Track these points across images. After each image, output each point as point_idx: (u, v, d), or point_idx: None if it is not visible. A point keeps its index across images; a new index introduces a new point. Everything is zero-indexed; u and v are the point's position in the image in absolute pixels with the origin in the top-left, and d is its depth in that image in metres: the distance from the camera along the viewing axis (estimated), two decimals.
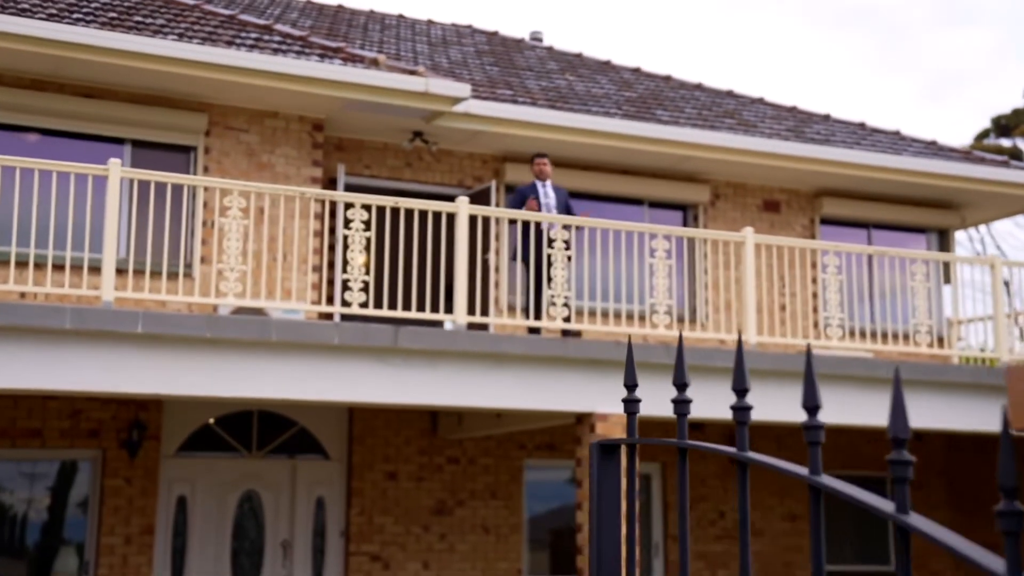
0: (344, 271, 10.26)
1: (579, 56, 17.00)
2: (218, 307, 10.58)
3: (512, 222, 11.68)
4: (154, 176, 9.25)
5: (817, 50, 68.06)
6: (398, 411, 12.75)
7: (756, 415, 10.97)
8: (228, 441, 12.39)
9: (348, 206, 9.97)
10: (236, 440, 12.42)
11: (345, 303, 9.92)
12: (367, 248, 9.87)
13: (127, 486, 11.55)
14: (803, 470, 1.91)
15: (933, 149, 15.27)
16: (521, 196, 11.24)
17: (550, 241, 10.56)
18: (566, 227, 10.61)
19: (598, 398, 10.30)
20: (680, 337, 2.58)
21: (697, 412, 10.76)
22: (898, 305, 12.84)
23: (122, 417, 11.62)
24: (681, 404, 2.54)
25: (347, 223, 9.83)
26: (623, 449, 2.60)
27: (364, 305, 9.84)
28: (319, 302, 11.19)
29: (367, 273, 9.77)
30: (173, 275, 10.69)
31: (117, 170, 8.96)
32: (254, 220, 11.25)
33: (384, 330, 9.52)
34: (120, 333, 8.74)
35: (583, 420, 10.39)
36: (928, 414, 11.50)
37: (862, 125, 15.85)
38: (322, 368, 9.50)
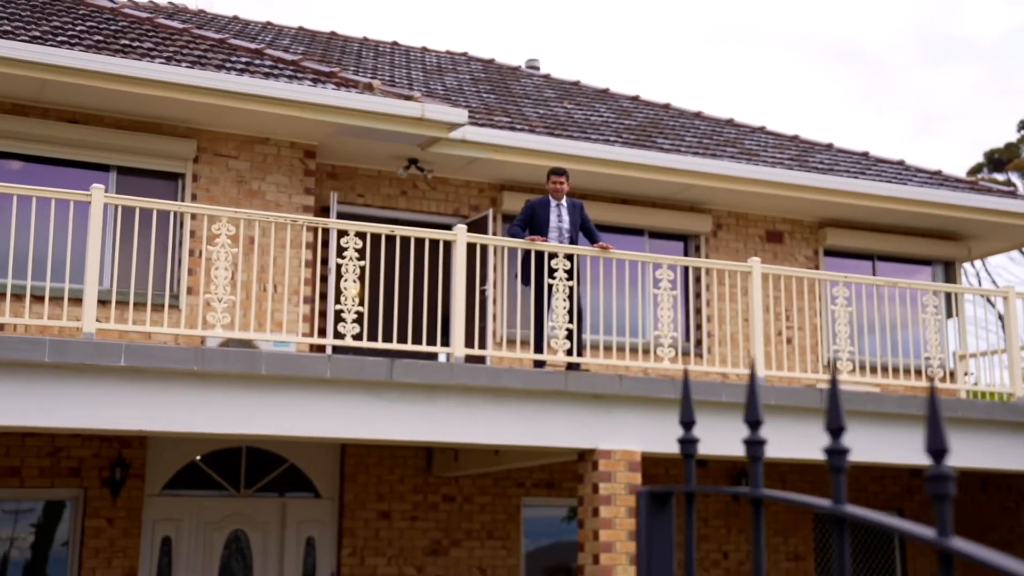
0: (337, 301, 9.87)
1: (576, 84, 16.70)
2: (206, 339, 10.17)
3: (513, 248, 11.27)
4: (139, 202, 8.86)
5: (806, 87, 68.17)
6: (392, 447, 12.32)
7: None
8: (215, 479, 11.93)
9: (342, 234, 9.59)
10: (223, 478, 11.97)
11: (338, 335, 9.52)
12: (361, 278, 9.47)
13: (109, 527, 11.08)
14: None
15: (938, 179, 14.96)
16: (529, 211, 10.68)
17: (551, 271, 10.17)
18: (569, 256, 10.23)
19: (601, 434, 9.89)
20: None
21: (702, 449, 10.37)
22: (907, 338, 12.48)
23: (104, 455, 11.16)
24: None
25: (340, 251, 9.44)
26: (675, 497, 2.21)
27: (358, 337, 9.44)
28: (311, 334, 10.77)
29: (361, 304, 9.36)
30: (159, 306, 10.27)
31: (100, 196, 8.57)
32: (243, 249, 10.86)
33: (378, 363, 9.12)
34: (102, 367, 8.32)
35: (585, 457, 9.97)
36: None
37: (865, 155, 15.55)
38: (313, 403, 9.08)
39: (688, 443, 2.11)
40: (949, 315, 14.91)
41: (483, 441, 9.66)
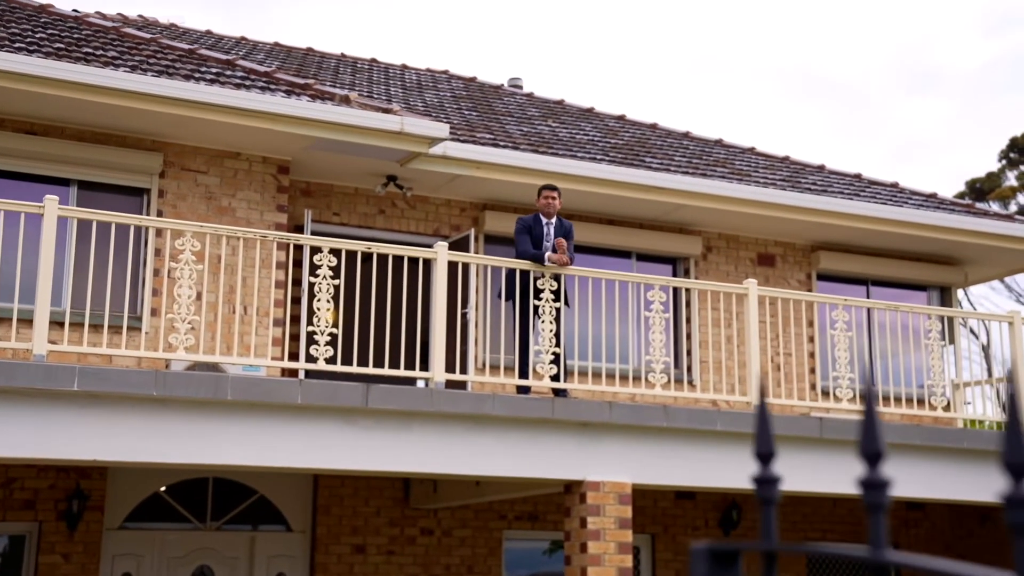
0: (310, 323, 9.29)
1: (561, 103, 16.21)
2: (170, 364, 9.56)
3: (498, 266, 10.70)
4: (96, 215, 8.28)
5: (786, 116, 68.18)
6: (367, 478, 11.71)
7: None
8: (180, 511, 11.28)
9: (315, 251, 9.03)
10: (189, 510, 11.33)
11: (310, 358, 8.93)
12: (335, 298, 8.90)
13: (65, 562, 10.40)
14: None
15: (934, 202, 14.51)
16: (526, 228, 10.05)
17: (537, 291, 9.61)
18: (555, 276, 9.69)
19: (589, 464, 9.32)
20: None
21: (690, 480, 9.82)
22: (900, 366, 11.98)
23: (61, 486, 10.51)
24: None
25: (314, 270, 8.87)
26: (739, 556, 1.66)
27: (331, 361, 8.86)
28: (282, 358, 10.17)
29: (335, 326, 8.79)
30: (120, 329, 9.64)
31: (54, 207, 7.98)
32: (210, 267, 10.27)
33: (353, 388, 8.53)
34: (53, 391, 7.72)
35: (572, 489, 9.40)
36: (939, 482, 10.59)
37: (858, 176, 15.10)
38: (283, 431, 8.49)
39: (767, 483, 1.56)
40: (950, 341, 14.44)
41: (464, 472, 9.08)
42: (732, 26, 74.04)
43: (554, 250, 9.74)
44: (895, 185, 14.97)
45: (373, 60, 16.72)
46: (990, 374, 16.50)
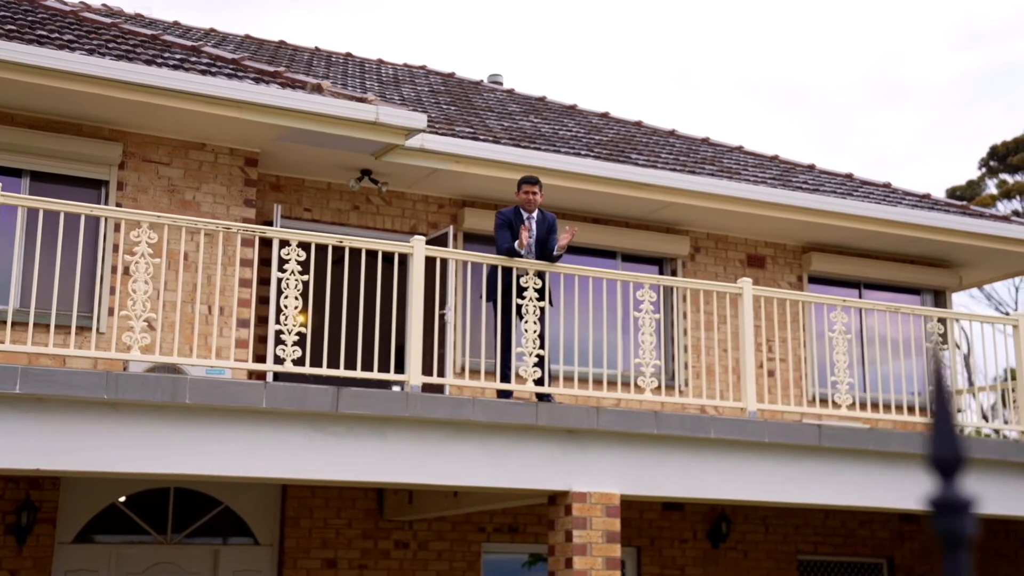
0: (277, 322, 8.66)
1: (543, 99, 15.65)
2: (128, 366, 8.93)
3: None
4: (43, 204, 7.64)
5: (761, 128, 67.96)
6: (339, 488, 11.08)
7: (753, 495, 9.45)
8: (139, 524, 10.63)
9: (284, 244, 8.42)
10: (148, 523, 10.67)
11: (278, 360, 8.31)
12: (304, 295, 8.29)
13: None
14: None
15: (928, 203, 14.02)
16: (506, 221, 9.47)
17: (520, 290, 9.03)
18: (540, 274, 9.11)
19: (575, 474, 8.74)
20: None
21: (683, 491, 9.26)
22: (890, 372, 11.46)
23: (10, 497, 9.83)
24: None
25: (282, 264, 8.25)
26: None
27: (299, 362, 8.24)
28: (248, 359, 9.53)
29: (304, 325, 8.18)
30: (77, 329, 9.01)
31: None
32: (173, 265, 9.64)
33: (322, 392, 7.93)
34: None
35: (557, 500, 8.81)
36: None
37: (850, 176, 14.60)
38: (247, 438, 7.87)
39: (954, 510, 0.99)
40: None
41: (442, 482, 8.49)
42: (709, 37, 73.94)
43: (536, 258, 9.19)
44: (887, 185, 14.47)
45: (348, 54, 16.12)
46: (971, 383, 16.03)
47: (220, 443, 7.80)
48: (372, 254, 9.21)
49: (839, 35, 71.23)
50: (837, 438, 9.41)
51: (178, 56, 10.48)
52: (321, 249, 8.67)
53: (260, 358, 9.98)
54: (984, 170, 43.36)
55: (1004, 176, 42.34)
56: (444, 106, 13.48)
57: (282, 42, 15.75)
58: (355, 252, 8.82)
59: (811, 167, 14.71)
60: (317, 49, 15.88)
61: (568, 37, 72.23)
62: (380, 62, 16.13)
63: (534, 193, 9.58)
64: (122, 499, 10.62)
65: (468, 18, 73.65)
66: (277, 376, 9.78)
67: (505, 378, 9.15)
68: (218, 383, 7.77)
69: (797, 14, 73.20)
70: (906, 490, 9.84)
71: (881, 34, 69.76)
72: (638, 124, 15.22)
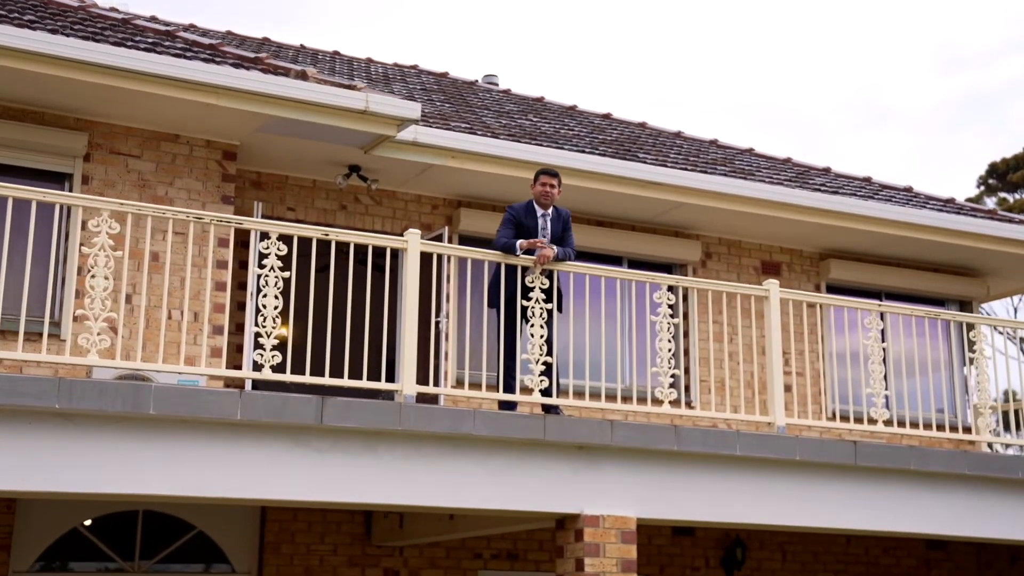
0: (255, 324, 7.76)
1: (541, 100, 14.82)
2: (92, 373, 8.04)
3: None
4: None
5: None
6: (323, 511, 10.17)
7: (783, 519, 8.56)
8: (103, 550, 9.69)
9: (263, 236, 7.54)
10: (114, 549, 9.73)
11: (256, 366, 7.41)
12: (286, 294, 7.39)
13: None
14: None
15: (952, 207, 13.18)
16: (514, 218, 8.60)
17: (526, 291, 8.15)
18: (547, 272, 8.24)
19: (587, 495, 7.86)
20: None
21: (706, 514, 8.37)
22: (927, 385, 10.63)
23: None
24: None
25: (260, 260, 7.37)
26: None
27: (279, 369, 7.35)
28: (222, 366, 8.63)
29: (284, 326, 7.29)
30: (37, 336, 8.07)
31: None
32: (137, 262, 8.75)
33: (304, 402, 7.04)
34: None
35: (566, 524, 7.91)
36: (975, 517, 9.12)
37: (868, 180, 13.77)
38: (220, 454, 6.98)
39: None
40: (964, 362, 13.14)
41: (437, 503, 7.60)
42: (697, 61, 73.57)
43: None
44: (909, 189, 13.65)
45: (336, 53, 15.28)
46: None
47: (189, 460, 6.90)
48: (361, 256, 8.33)
49: (824, 58, 71.14)
50: (875, 456, 8.53)
51: (150, 40, 9.62)
52: (305, 243, 7.78)
53: (238, 367, 9.07)
54: (983, 188, 42.75)
55: (1004, 194, 41.73)
56: (438, 103, 12.63)
57: (266, 39, 14.90)
58: (342, 252, 7.95)
59: (826, 170, 13.89)
60: (303, 46, 15.03)
61: (561, 43, 71.74)
62: (369, 60, 15.29)
63: (552, 186, 8.73)
64: (87, 522, 9.70)
65: (458, 23, 73.22)
66: (257, 385, 8.90)
67: (508, 388, 8.26)
68: (186, 392, 6.87)
69: (782, 37, 73.01)
70: (946, 515, 8.97)
71: (866, 58, 69.72)
72: (642, 125, 14.40)
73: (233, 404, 6.91)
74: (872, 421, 8.82)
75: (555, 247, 8.32)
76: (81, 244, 9.00)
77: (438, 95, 13.40)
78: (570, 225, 8.78)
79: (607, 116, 14.54)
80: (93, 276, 6.83)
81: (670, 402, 8.25)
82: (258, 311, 7.34)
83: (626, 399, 8.77)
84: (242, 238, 10.08)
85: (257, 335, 7.29)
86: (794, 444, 8.39)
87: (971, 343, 9.53)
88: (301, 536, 10.23)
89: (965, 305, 13.39)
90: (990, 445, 12.63)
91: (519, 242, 8.27)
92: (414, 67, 15.59)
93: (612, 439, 7.86)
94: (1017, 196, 41.39)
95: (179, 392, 6.85)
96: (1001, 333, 13.11)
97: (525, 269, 8.20)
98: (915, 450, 8.76)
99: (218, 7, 64.90)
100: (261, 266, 7.32)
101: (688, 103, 69.67)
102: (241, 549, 10.12)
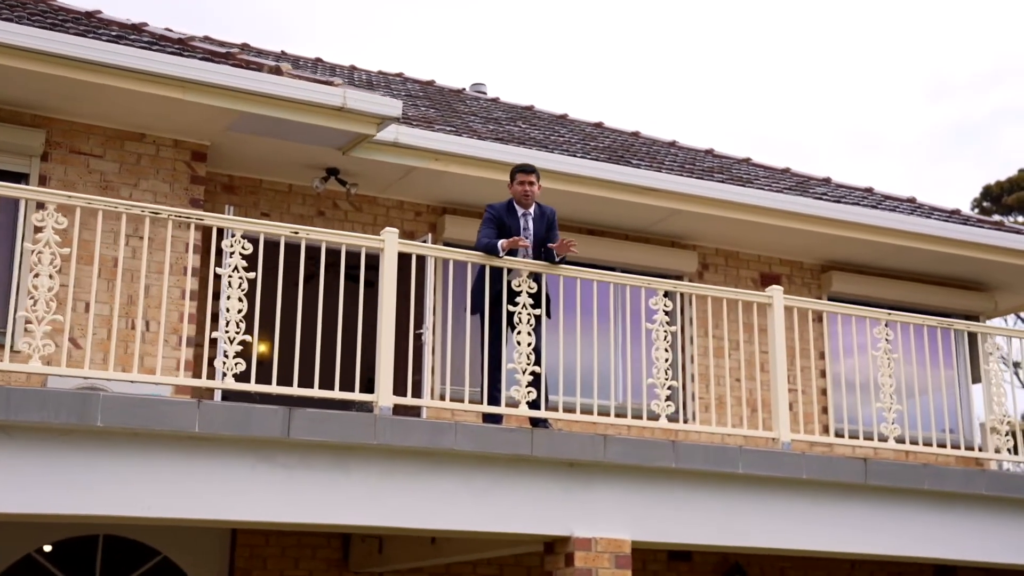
0: (215, 328, 7.15)
1: (530, 108, 14.29)
2: (47, 382, 7.45)
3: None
4: None
5: None
6: (297, 534, 9.55)
7: (789, 542, 7.96)
8: None
9: (229, 235, 6.95)
10: (73, 575, 9.10)
11: (220, 375, 6.81)
12: (250, 295, 6.81)
13: None
14: None
15: (958, 218, 12.66)
16: (495, 216, 8.06)
17: (512, 295, 7.58)
18: (535, 276, 7.67)
19: (578, 516, 7.26)
20: None
21: (706, 536, 7.77)
22: (933, 403, 10.06)
23: None
24: None
25: (219, 257, 6.79)
26: None
27: (243, 377, 6.75)
28: (196, 375, 8.00)
29: (249, 332, 6.70)
30: None
31: None
32: (103, 271, 8.15)
33: (270, 413, 6.45)
34: None
35: (556, 548, 7.31)
36: (992, 540, 8.53)
37: (870, 190, 13.24)
38: (177, 470, 6.38)
39: None
40: (975, 380, 12.62)
41: (417, 526, 7.00)
42: (687, 84, 73.43)
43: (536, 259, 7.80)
44: (912, 200, 13.12)
45: (318, 59, 14.74)
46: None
47: (141, 478, 6.30)
48: (333, 264, 7.75)
49: (813, 85, 71.16)
50: (886, 475, 7.95)
51: (115, 32, 9.07)
52: (272, 245, 7.21)
53: (196, 375, 8.45)
54: (977, 211, 42.43)
55: (999, 217, 41.38)
56: (424, 108, 12.08)
57: (245, 44, 14.34)
58: (314, 249, 7.38)
59: (827, 180, 13.36)
60: (283, 53, 14.49)
61: (549, 58, 71.52)
62: (352, 68, 14.76)
63: (531, 183, 8.17)
64: (47, 548, 9.07)
65: (446, 35, 72.88)
66: (225, 396, 8.28)
67: (493, 400, 7.67)
68: (139, 401, 6.27)
69: (772, 64, 73.01)
70: (961, 538, 8.39)
71: (855, 85, 69.77)
72: (635, 134, 13.87)
73: (191, 415, 6.31)
74: (883, 438, 8.24)
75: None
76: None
77: (424, 101, 12.87)
78: (556, 224, 8.22)
79: (599, 125, 14.02)
80: (36, 275, 6.24)
81: (667, 416, 7.67)
82: (217, 316, 6.75)
83: (620, 415, 8.18)
84: (218, 246, 9.49)
85: (215, 340, 6.70)
86: (800, 461, 7.80)
87: (984, 355, 8.98)
88: (274, 562, 9.59)
89: (972, 320, 12.84)
90: (999, 464, 12.09)
91: (500, 242, 7.71)
92: (399, 75, 15.06)
93: (605, 455, 7.28)
94: (1011, 219, 41.07)
95: (130, 402, 6.25)
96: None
97: (511, 271, 7.63)
98: (929, 468, 8.18)
99: (200, 21, 64.55)
100: (224, 266, 6.74)
101: (678, 128, 69.42)
102: (208, 575, 9.48)
